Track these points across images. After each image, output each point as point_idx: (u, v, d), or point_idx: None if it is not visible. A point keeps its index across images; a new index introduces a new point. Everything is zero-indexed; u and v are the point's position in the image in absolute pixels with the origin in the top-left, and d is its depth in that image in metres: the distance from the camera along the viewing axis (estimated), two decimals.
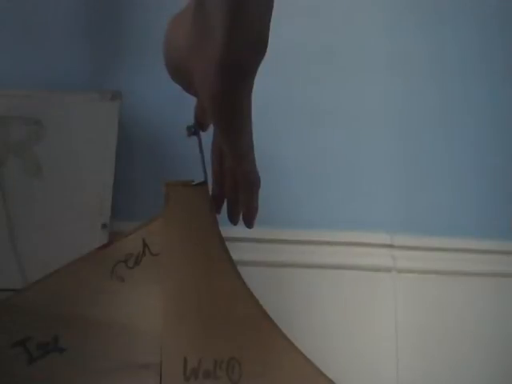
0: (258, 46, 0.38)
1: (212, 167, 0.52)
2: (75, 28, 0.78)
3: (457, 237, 0.74)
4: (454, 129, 0.79)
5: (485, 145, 0.79)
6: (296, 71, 0.78)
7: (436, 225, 0.75)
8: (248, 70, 0.39)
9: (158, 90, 0.73)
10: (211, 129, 0.50)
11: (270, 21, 0.38)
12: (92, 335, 0.47)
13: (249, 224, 0.50)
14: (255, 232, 0.51)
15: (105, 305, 0.48)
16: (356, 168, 0.77)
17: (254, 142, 0.45)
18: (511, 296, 0.73)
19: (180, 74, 0.44)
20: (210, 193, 0.52)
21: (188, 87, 0.45)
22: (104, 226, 0.65)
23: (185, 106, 0.51)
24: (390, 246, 0.73)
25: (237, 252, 0.50)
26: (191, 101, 0.48)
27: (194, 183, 0.51)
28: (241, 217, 0.51)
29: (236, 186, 0.51)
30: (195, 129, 0.50)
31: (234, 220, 0.52)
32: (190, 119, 0.51)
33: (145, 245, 0.50)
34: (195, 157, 0.51)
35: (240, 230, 0.51)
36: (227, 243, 0.50)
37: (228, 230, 0.51)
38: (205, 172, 0.51)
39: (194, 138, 0.51)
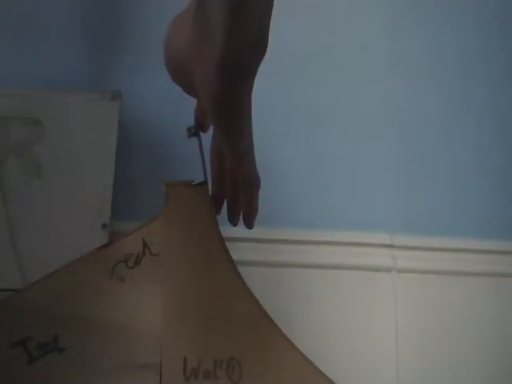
0: (258, 46, 0.38)
1: (211, 168, 0.52)
2: (75, 28, 0.78)
3: (457, 237, 0.74)
4: (454, 129, 0.79)
5: (485, 145, 0.79)
6: (295, 71, 0.78)
7: (436, 225, 0.75)
8: (248, 71, 0.39)
9: (158, 90, 0.73)
10: (211, 130, 0.50)
11: (269, 21, 0.38)
12: (92, 335, 0.47)
13: (249, 224, 0.50)
14: (255, 232, 0.51)
15: (105, 305, 0.48)
16: (356, 168, 0.77)
17: (254, 143, 0.45)
18: (511, 296, 0.73)
19: (180, 74, 0.44)
20: (210, 193, 0.52)
21: (188, 88, 0.45)
22: (104, 226, 0.65)
23: (185, 106, 0.51)
24: (390, 246, 0.73)
25: (236, 252, 0.50)
26: (191, 101, 0.48)
27: (194, 183, 0.51)
28: (241, 217, 0.51)
29: (236, 187, 0.51)
30: (195, 130, 0.51)
31: (233, 221, 0.52)
32: (190, 119, 0.51)
33: (145, 245, 0.50)
34: (195, 157, 0.51)
35: (240, 230, 0.51)
36: (227, 243, 0.50)
37: (228, 230, 0.51)
38: (205, 172, 0.51)
39: (194, 138, 0.51)
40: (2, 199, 0.65)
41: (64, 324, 0.47)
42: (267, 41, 0.38)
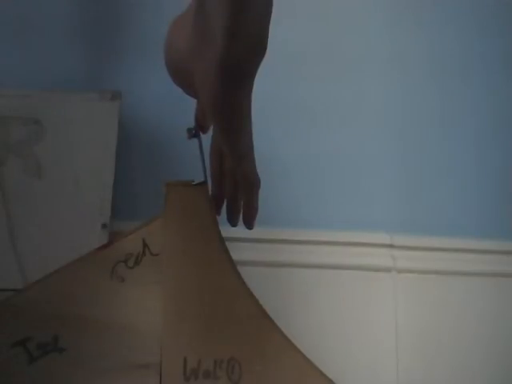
0: (257, 47, 0.38)
1: (211, 168, 0.52)
2: (75, 28, 0.78)
3: (457, 237, 0.74)
4: (454, 129, 0.79)
5: (485, 145, 0.79)
6: (294, 71, 0.78)
7: (436, 225, 0.75)
8: (248, 72, 0.39)
9: (158, 89, 0.73)
10: (211, 131, 0.50)
11: (269, 23, 0.38)
12: (92, 335, 0.47)
13: (249, 225, 0.50)
14: (254, 232, 0.51)
15: (105, 305, 0.48)
16: (356, 168, 0.77)
17: (254, 143, 0.45)
18: (511, 296, 0.73)
19: (180, 75, 0.44)
20: (210, 193, 0.52)
21: (188, 89, 0.45)
22: (104, 226, 0.65)
23: (184, 106, 0.51)
24: (390, 246, 0.73)
25: (236, 252, 0.50)
26: (191, 101, 0.48)
27: (193, 183, 0.51)
28: (241, 218, 0.51)
29: (236, 187, 0.51)
30: (196, 131, 0.51)
31: (233, 221, 0.52)
32: (190, 119, 0.51)
33: (145, 245, 0.50)
34: (195, 157, 0.51)
35: (239, 230, 0.51)
36: (227, 243, 0.50)
37: (228, 230, 0.51)
38: (205, 172, 0.51)
39: (194, 139, 0.51)
40: (2, 199, 0.65)
41: (64, 324, 0.47)
42: (267, 42, 0.38)
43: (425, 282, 0.72)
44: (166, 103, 0.74)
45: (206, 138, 0.51)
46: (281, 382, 0.48)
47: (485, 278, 0.73)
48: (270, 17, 0.38)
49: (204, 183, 0.51)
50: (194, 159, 0.51)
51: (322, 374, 0.49)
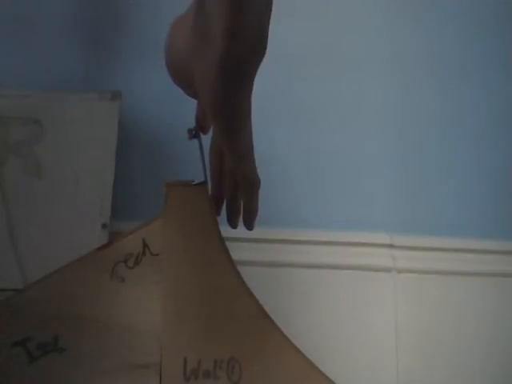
0: (257, 47, 0.38)
1: (211, 168, 0.52)
2: (75, 28, 0.78)
3: (457, 237, 0.74)
4: (454, 128, 0.79)
5: (485, 145, 0.79)
6: (295, 71, 0.78)
7: (436, 225, 0.75)
8: (248, 72, 0.39)
9: (158, 89, 0.73)
10: (211, 131, 0.50)
11: (269, 23, 0.38)
12: (92, 335, 0.47)
13: (249, 225, 0.50)
14: (254, 232, 0.51)
15: (105, 305, 0.48)
16: (356, 168, 0.77)
17: (253, 143, 0.45)
18: (511, 296, 0.73)
19: (180, 75, 0.45)
20: (210, 193, 0.52)
21: (188, 89, 0.45)
22: (104, 226, 0.65)
23: (184, 106, 0.51)
24: (390, 246, 0.73)
25: (235, 252, 0.50)
26: (190, 101, 0.48)
27: (194, 183, 0.51)
28: (241, 218, 0.51)
29: (236, 187, 0.51)
30: (196, 132, 0.51)
31: (233, 223, 0.52)
32: (190, 118, 0.51)
33: (145, 245, 0.50)
34: (195, 156, 0.51)
35: (239, 230, 0.52)
36: (227, 243, 0.50)
37: (228, 229, 0.51)
38: (205, 172, 0.51)
39: (195, 139, 0.51)
40: (2, 199, 0.65)
41: (64, 324, 0.47)
42: (266, 42, 0.38)
43: (425, 282, 0.72)
44: (166, 103, 0.74)
45: (206, 139, 0.51)
46: (281, 382, 0.48)
47: (485, 278, 0.73)
48: (270, 17, 0.38)
49: (204, 183, 0.51)
50: (194, 159, 0.51)
51: (322, 373, 0.49)
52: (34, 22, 0.77)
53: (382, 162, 0.77)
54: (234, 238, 0.56)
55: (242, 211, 0.50)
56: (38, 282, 0.49)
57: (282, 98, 0.77)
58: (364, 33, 0.80)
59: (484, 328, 0.72)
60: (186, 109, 0.51)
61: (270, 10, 0.38)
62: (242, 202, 0.50)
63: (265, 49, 0.38)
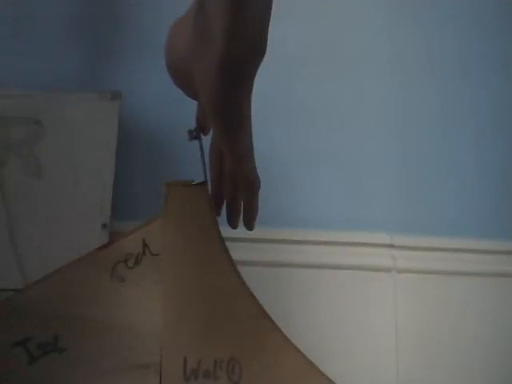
0: (257, 48, 0.38)
1: (211, 168, 0.52)
2: (75, 28, 0.78)
3: (457, 237, 0.74)
4: (454, 128, 0.79)
5: (485, 145, 0.79)
6: (295, 71, 0.78)
7: (436, 225, 0.75)
8: (248, 72, 0.39)
9: (158, 89, 0.73)
10: (211, 132, 0.50)
11: (268, 23, 0.38)
12: (92, 335, 0.47)
13: (249, 226, 0.50)
14: (254, 232, 0.51)
15: (105, 305, 0.48)
16: (356, 168, 0.77)
17: (253, 143, 0.45)
18: (511, 296, 0.73)
19: (180, 76, 0.45)
20: (210, 194, 0.52)
21: (188, 90, 0.45)
22: (104, 226, 0.65)
23: (184, 106, 0.51)
24: (390, 246, 0.73)
25: (235, 252, 0.50)
26: (191, 101, 0.48)
27: (194, 183, 0.51)
28: (241, 219, 0.51)
29: (235, 187, 0.51)
30: (197, 133, 0.51)
31: (233, 223, 0.52)
32: (190, 118, 0.51)
33: (145, 245, 0.50)
34: (195, 157, 0.51)
35: (239, 230, 0.51)
36: (226, 243, 0.50)
37: (227, 229, 0.51)
38: (205, 172, 0.51)
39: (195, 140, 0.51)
40: (2, 199, 0.65)
41: (64, 324, 0.47)
42: (266, 42, 0.38)
43: (425, 282, 0.72)
44: (166, 103, 0.74)
45: (207, 139, 0.51)
46: (281, 382, 0.48)
47: (485, 278, 0.73)
48: (270, 17, 0.38)
49: (204, 183, 0.51)
50: (194, 159, 0.51)
51: (322, 373, 0.49)
52: (34, 22, 0.77)
53: (382, 162, 0.77)
54: (234, 238, 0.56)
55: (242, 211, 0.50)
56: (38, 282, 0.49)
57: (282, 98, 0.77)
58: (364, 33, 0.81)
59: (484, 328, 0.72)
60: (186, 109, 0.51)
61: (270, 11, 0.38)
62: (242, 203, 0.50)
63: (265, 49, 0.38)
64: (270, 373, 0.48)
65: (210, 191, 0.52)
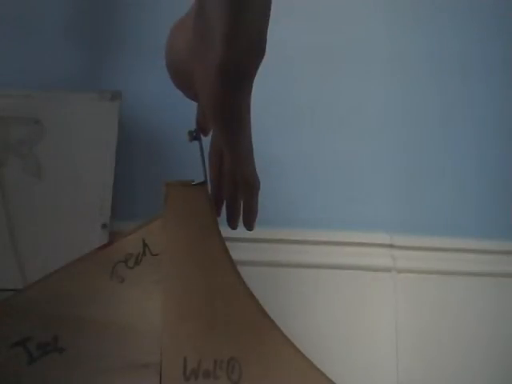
0: (256, 49, 0.38)
1: (210, 169, 0.52)
2: (75, 28, 0.78)
3: (457, 237, 0.74)
4: (454, 128, 0.79)
5: (485, 145, 0.79)
6: (294, 71, 0.78)
7: (436, 225, 0.75)
8: (247, 73, 0.39)
9: (158, 89, 0.73)
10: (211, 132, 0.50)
11: (268, 24, 0.38)
12: (92, 335, 0.47)
13: (249, 226, 0.50)
14: (253, 232, 0.51)
15: (105, 305, 0.48)
16: (355, 168, 0.77)
17: (253, 143, 0.45)
18: (511, 296, 0.73)
19: (180, 76, 0.45)
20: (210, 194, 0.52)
21: (188, 91, 0.45)
22: (104, 226, 0.65)
23: (184, 106, 0.51)
24: (390, 246, 0.73)
25: (235, 252, 0.50)
26: (190, 101, 0.48)
27: (193, 183, 0.51)
28: (241, 219, 0.51)
29: (235, 187, 0.51)
30: (197, 134, 0.51)
31: (233, 224, 0.52)
32: (190, 118, 0.51)
33: (145, 245, 0.50)
34: (195, 157, 0.51)
35: (239, 230, 0.52)
36: (226, 243, 0.50)
37: (227, 229, 0.51)
38: (205, 172, 0.51)
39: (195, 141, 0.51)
40: (2, 199, 0.65)
41: (64, 324, 0.47)
42: (265, 43, 0.38)
43: (425, 282, 0.72)
44: (166, 103, 0.74)
45: (207, 140, 0.51)
46: (281, 382, 0.48)
47: (485, 278, 0.73)
48: (269, 18, 0.38)
49: (204, 183, 0.51)
50: (194, 159, 0.51)
51: (322, 373, 0.49)
52: (34, 22, 0.77)
53: (381, 162, 0.77)
54: (234, 238, 0.56)
55: (241, 212, 0.50)
56: (38, 282, 0.49)
57: (282, 98, 0.77)
58: (364, 33, 0.80)
59: (484, 328, 0.72)
60: (186, 109, 0.51)
61: (269, 11, 0.38)
62: (241, 203, 0.50)
63: (264, 50, 0.38)
64: (270, 373, 0.48)
65: (209, 191, 0.52)
